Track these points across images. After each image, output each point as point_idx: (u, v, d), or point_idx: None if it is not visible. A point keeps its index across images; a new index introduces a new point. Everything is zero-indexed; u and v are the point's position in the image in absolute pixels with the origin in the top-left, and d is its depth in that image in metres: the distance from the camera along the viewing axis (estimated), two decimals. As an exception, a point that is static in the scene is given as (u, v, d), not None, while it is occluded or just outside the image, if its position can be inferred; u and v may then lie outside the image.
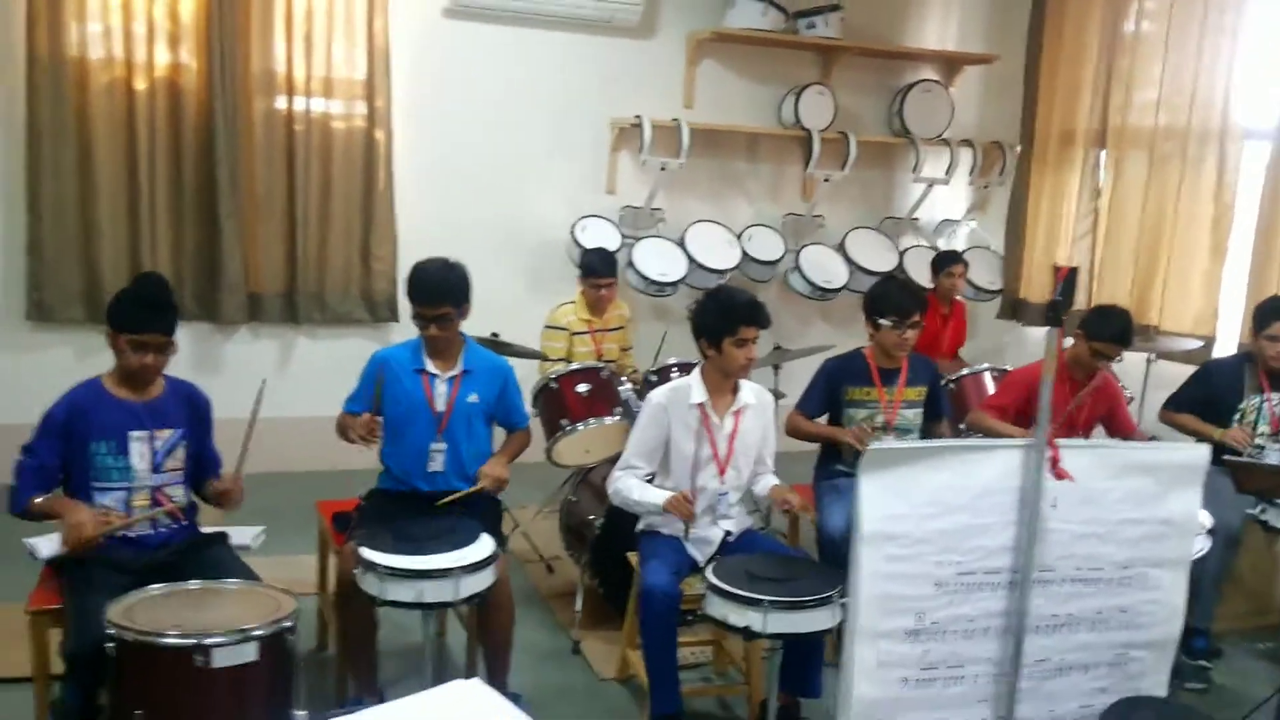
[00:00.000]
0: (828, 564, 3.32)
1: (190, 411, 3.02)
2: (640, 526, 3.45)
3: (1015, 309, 6.49)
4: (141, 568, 2.77)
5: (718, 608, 2.85)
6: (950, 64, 6.56)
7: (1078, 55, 6.04)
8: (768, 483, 3.43)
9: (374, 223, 5.63)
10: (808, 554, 3.62)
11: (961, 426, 4.32)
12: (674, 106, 6.07)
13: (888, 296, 3.86)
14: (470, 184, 5.82)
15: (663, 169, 5.83)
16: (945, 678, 1.43)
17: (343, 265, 5.64)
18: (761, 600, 2.75)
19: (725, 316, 3.23)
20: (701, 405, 3.31)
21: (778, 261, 6.12)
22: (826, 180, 6.20)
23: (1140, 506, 1.55)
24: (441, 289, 3.23)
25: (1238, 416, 4.25)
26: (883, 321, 3.82)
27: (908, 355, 3.91)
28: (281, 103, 5.40)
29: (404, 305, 5.55)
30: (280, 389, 5.57)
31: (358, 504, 3.42)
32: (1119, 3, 5.78)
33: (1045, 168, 6.31)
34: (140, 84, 5.15)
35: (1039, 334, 6.36)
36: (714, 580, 2.88)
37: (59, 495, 2.84)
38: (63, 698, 2.83)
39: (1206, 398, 4.31)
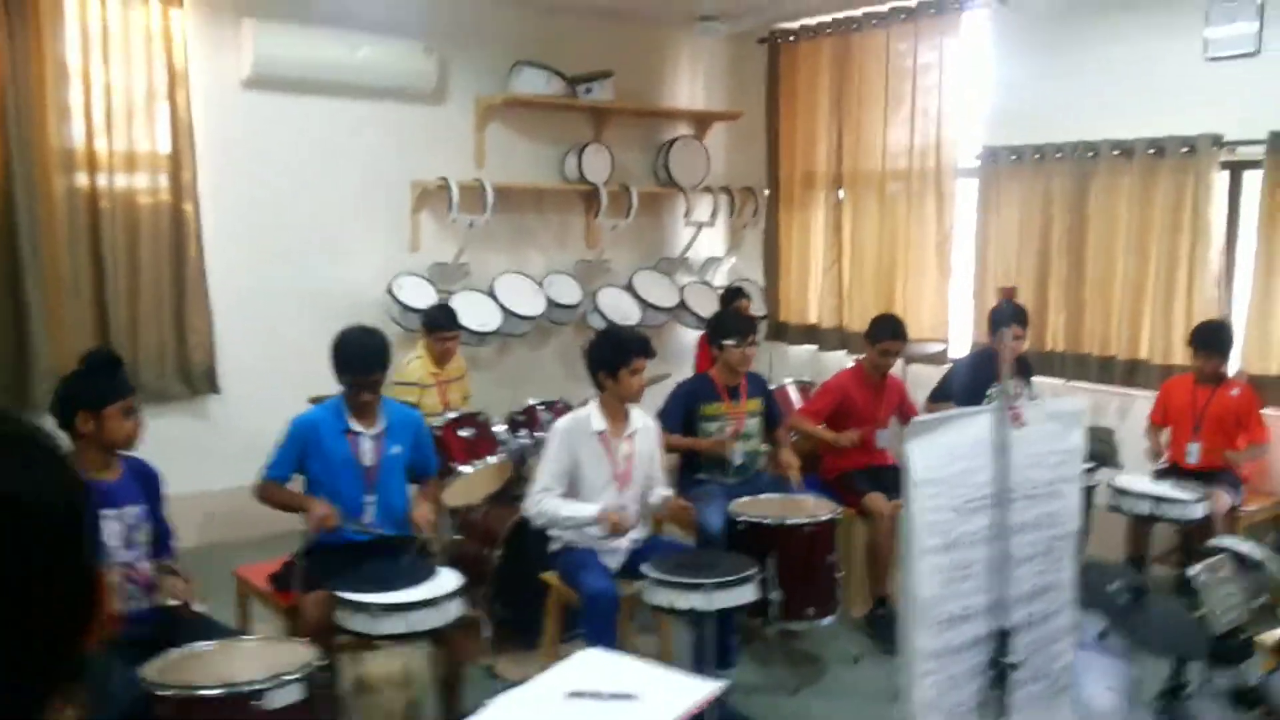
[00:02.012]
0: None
1: (145, 486, 3.10)
2: (555, 546, 3.85)
3: (779, 331, 7.40)
4: (126, 643, 2.83)
5: (662, 596, 3.33)
6: (702, 120, 7.40)
7: (810, 109, 7.07)
8: (660, 493, 3.94)
9: (186, 295, 5.59)
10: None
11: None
12: (467, 167, 6.46)
13: (731, 321, 4.51)
14: (281, 250, 5.91)
15: (470, 226, 6.22)
16: (961, 576, 2.01)
17: (156, 341, 5.55)
18: (703, 583, 3.27)
19: (620, 350, 3.73)
20: (602, 433, 3.78)
21: (578, 305, 6.65)
22: (614, 228, 6.83)
23: (1055, 441, 2.22)
24: (373, 358, 3.50)
25: (988, 401, 5.26)
26: (727, 342, 4.46)
27: (745, 373, 4.58)
28: (83, 180, 5.28)
29: (224, 376, 5.67)
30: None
31: (290, 562, 3.57)
32: (842, 64, 6.84)
33: (792, 207, 7.29)
34: (-74, 166, 4.90)
35: (800, 351, 7.34)
36: (656, 574, 3.35)
37: None
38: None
39: (964, 387, 5.29)
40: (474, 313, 6.11)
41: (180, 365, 5.64)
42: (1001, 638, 2.10)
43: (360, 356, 3.49)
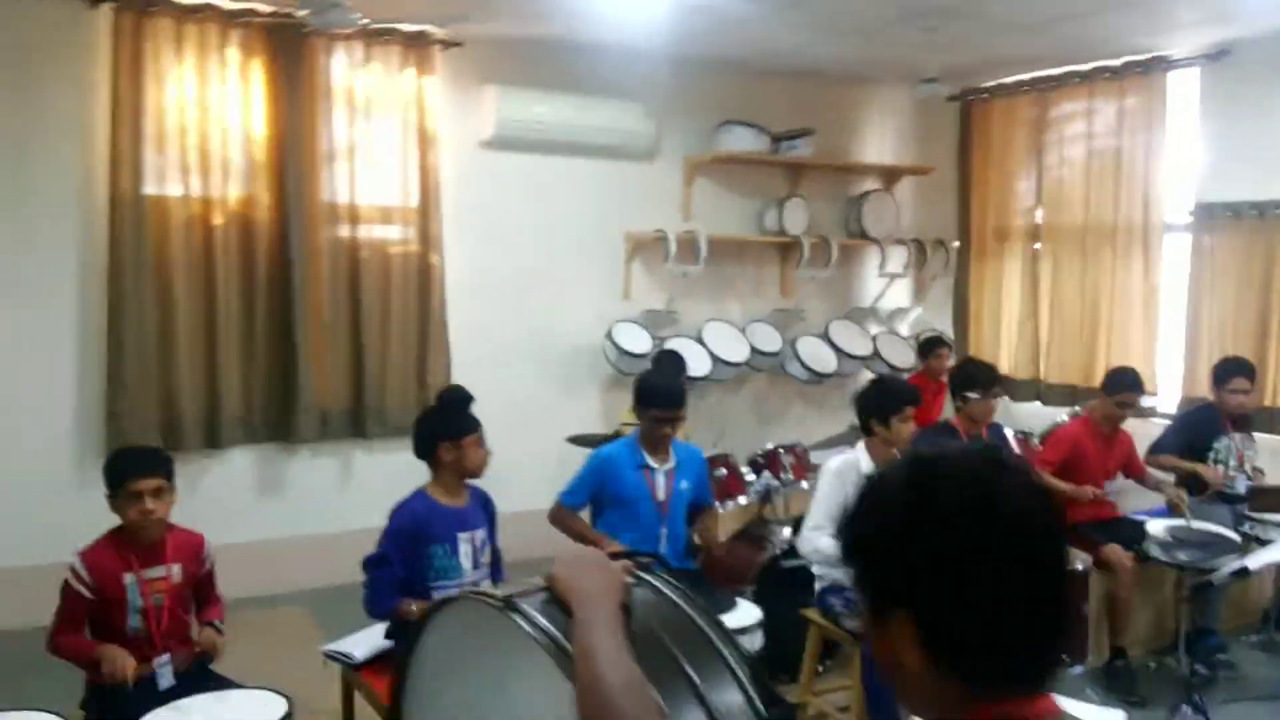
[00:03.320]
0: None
1: (487, 512, 3.41)
2: (821, 584, 4.03)
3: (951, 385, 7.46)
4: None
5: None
6: (892, 174, 7.59)
7: (1005, 164, 7.21)
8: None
9: (429, 339, 6.00)
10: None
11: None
12: (674, 219, 6.78)
13: (976, 373, 4.66)
14: (510, 298, 6.30)
15: (684, 275, 6.52)
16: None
17: (401, 382, 5.96)
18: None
19: (894, 399, 3.92)
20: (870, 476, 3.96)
21: (778, 353, 6.87)
22: (812, 279, 7.06)
23: None
24: (679, 397, 3.77)
25: (1212, 455, 5.27)
26: (971, 394, 4.61)
27: (986, 424, 4.71)
28: (345, 231, 5.75)
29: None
30: (343, 503, 5.88)
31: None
32: (1039, 121, 6.97)
33: (984, 259, 7.41)
34: (217, 219, 5.41)
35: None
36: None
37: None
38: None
39: (1186, 443, 5.30)
40: (688, 357, 6.37)
41: (420, 403, 6.00)
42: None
43: (666, 395, 3.76)
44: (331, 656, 3.35)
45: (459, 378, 6.13)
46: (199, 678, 3.04)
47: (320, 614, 5.35)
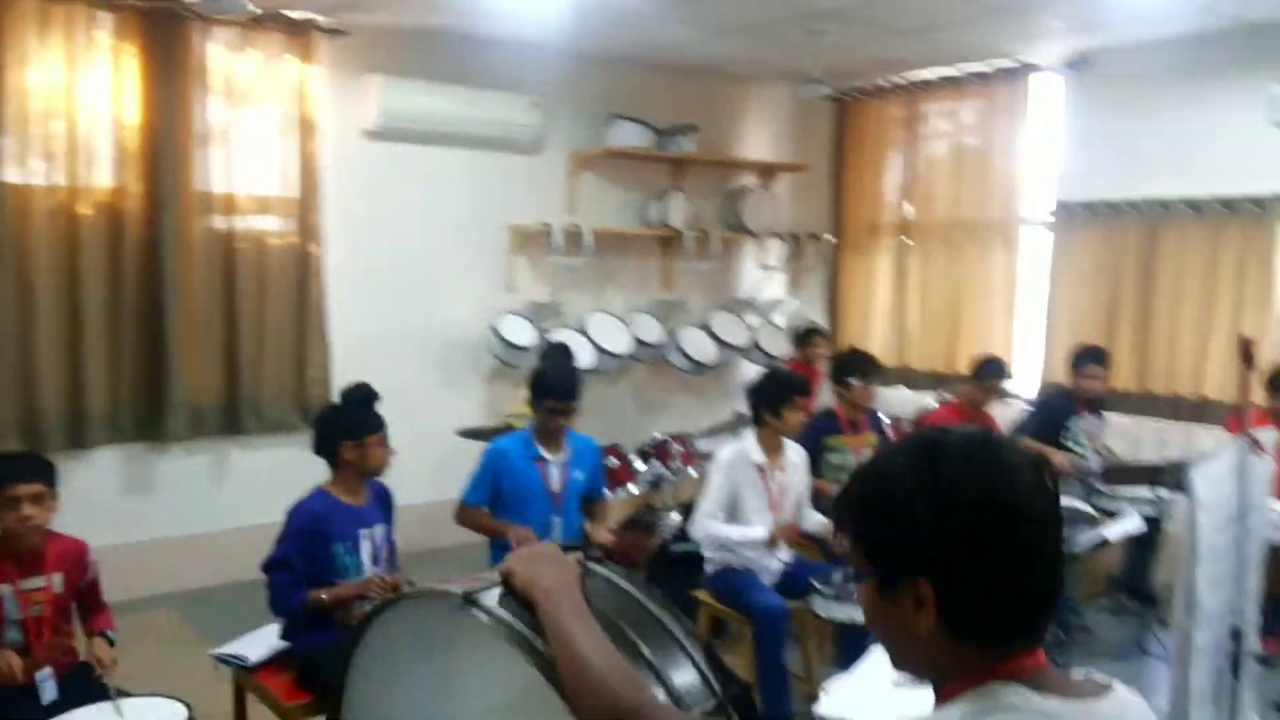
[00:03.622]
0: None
1: (385, 507, 3.38)
2: (712, 568, 4.14)
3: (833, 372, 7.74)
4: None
5: (838, 610, 3.64)
6: (770, 171, 7.78)
7: (877, 163, 7.49)
8: (816, 519, 4.26)
9: (308, 332, 5.86)
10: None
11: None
12: (558, 213, 6.79)
13: (858, 362, 4.85)
14: (392, 289, 6.21)
15: (568, 268, 6.55)
16: (1217, 581, 2.36)
17: (278, 375, 5.80)
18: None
19: (785, 389, 4.06)
20: (760, 465, 4.10)
21: (660, 343, 6.97)
22: (694, 271, 7.18)
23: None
24: (574, 389, 3.80)
25: (1068, 437, 5.61)
26: (853, 381, 4.79)
27: (866, 410, 4.91)
28: (220, 221, 5.56)
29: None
30: (218, 502, 5.71)
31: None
32: (911, 122, 7.27)
33: (856, 254, 7.69)
34: (83, 208, 5.15)
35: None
36: (830, 589, 3.66)
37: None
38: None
39: (1044, 425, 5.63)
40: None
41: (298, 397, 5.89)
42: (1237, 635, 2.43)
43: (559, 385, 3.79)
44: (223, 659, 3.27)
45: (339, 371, 6.02)
46: (84, 688, 2.92)
47: (193, 616, 5.20)
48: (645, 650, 1.38)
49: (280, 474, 5.90)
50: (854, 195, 7.69)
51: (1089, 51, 6.28)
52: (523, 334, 6.36)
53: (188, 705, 2.71)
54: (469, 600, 1.38)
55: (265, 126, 5.63)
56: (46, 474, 2.95)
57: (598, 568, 1.53)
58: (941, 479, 1.08)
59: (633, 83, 6.93)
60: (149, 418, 5.41)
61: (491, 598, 1.39)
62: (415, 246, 6.29)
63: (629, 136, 6.78)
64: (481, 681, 1.43)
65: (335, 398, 5.97)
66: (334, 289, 5.97)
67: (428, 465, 5.65)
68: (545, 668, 1.28)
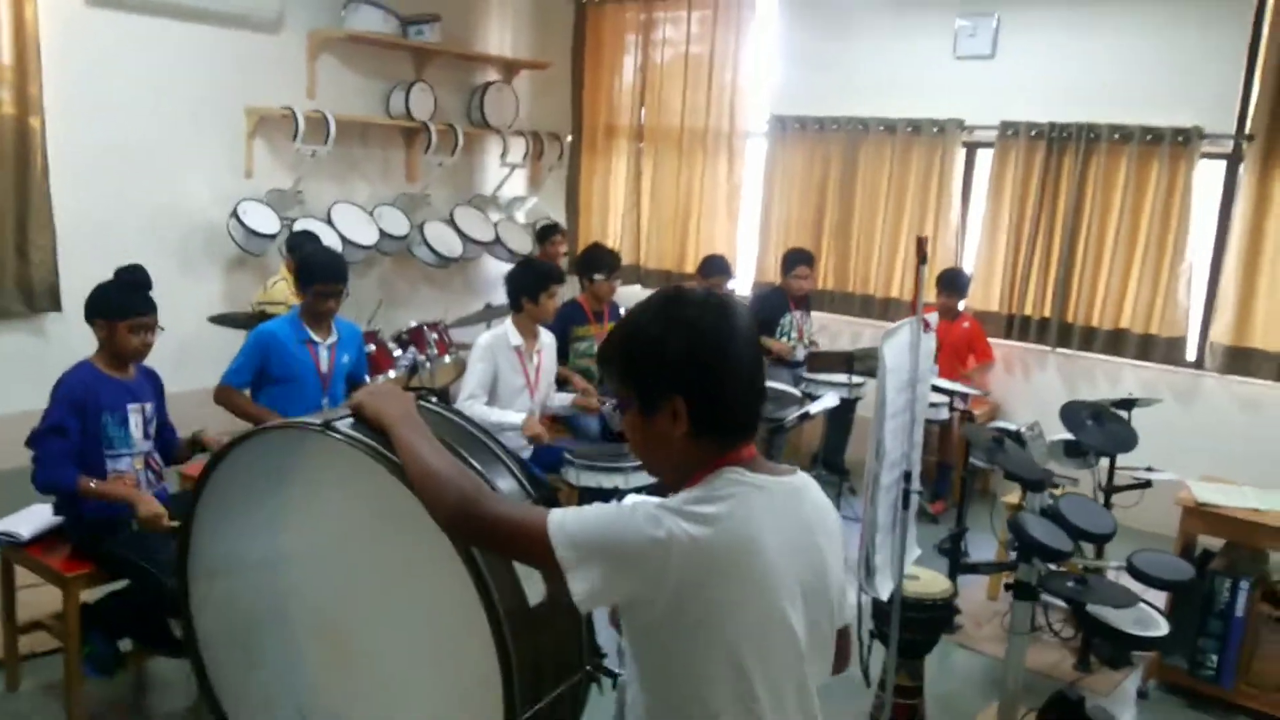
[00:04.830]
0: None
1: (154, 387, 3.43)
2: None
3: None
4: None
5: (590, 478, 4.08)
6: (512, 67, 7.96)
7: (615, 68, 7.85)
8: (562, 397, 4.67)
9: (30, 211, 5.52)
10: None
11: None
12: (299, 97, 6.67)
13: (602, 258, 5.25)
14: (124, 169, 5.92)
15: (313, 155, 6.49)
16: (895, 434, 2.95)
17: (-2, 256, 5.47)
18: (623, 467, 4.05)
19: (542, 278, 4.40)
20: (519, 348, 4.44)
21: (405, 236, 7.08)
22: (440, 165, 7.30)
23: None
24: (340, 271, 3.94)
25: (780, 330, 6.35)
26: (597, 276, 5.20)
27: (608, 302, 5.35)
28: (-78, 87, 5.10)
29: (66, 294, 5.68)
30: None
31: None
32: (647, 30, 7.67)
33: (595, 155, 8.07)
34: None
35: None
36: (584, 461, 4.10)
37: (117, 478, 3.16)
38: (94, 649, 3.21)
39: (758, 320, 6.34)
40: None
41: (21, 282, 5.57)
42: (907, 476, 3.08)
43: (329, 268, 3.92)
44: (-9, 537, 3.25)
45: (67, 254, 5.74)
46: None
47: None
48: (473, 461, 1.70)
49: (6, 363, 5.63)
50: (592, 97, 8.03)
51: (803, -28, 6.90)
52: (266, 222, 6.27)
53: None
54: (329, 428, 1.65)
55: (-27, -15, 5.17)
56: None
57: (427, 403, 1.83)
58: (688, 318, 1.47)
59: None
60: None
61: (346, 424, 1.66)
62: (147, 125, 6.01)
63: (370, 22, 6.74)
64: (342, 493, 1.70)
65: (63, 285, 5.79)
66: (59, 168, 5.63)
67: (169, 353, 5.52)
68: (397, 473, 1.57)
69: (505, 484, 1.76)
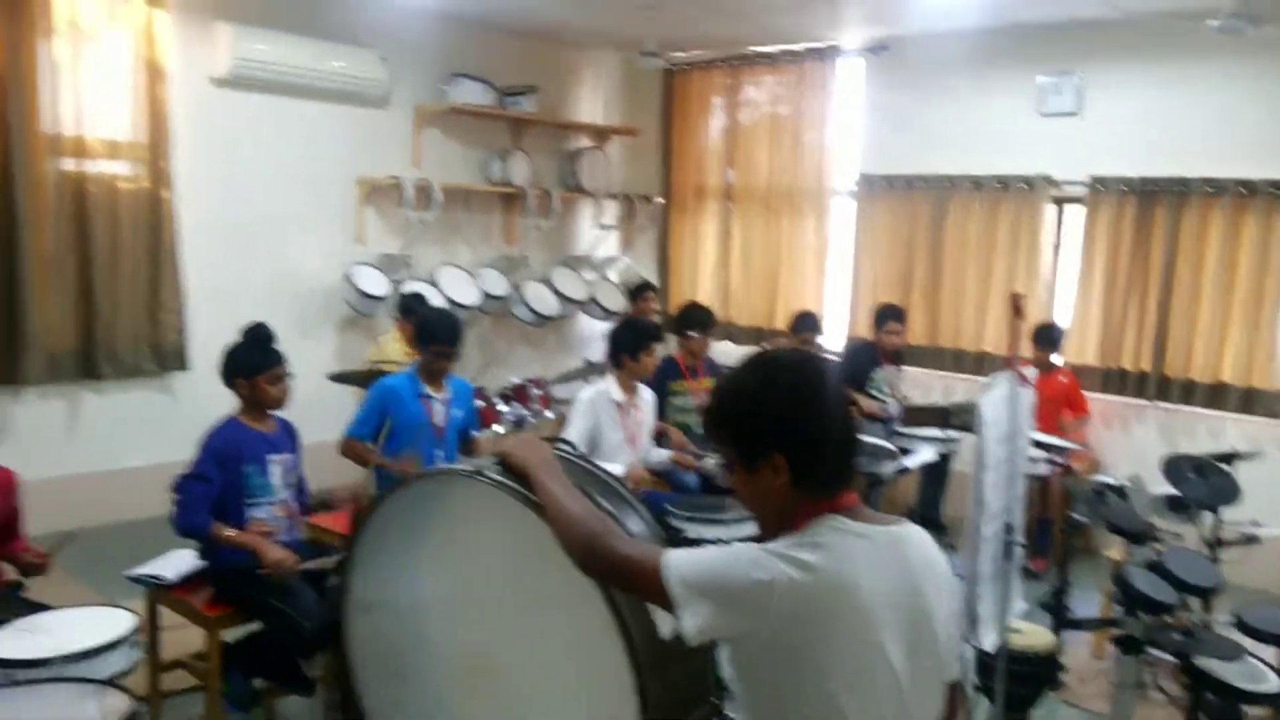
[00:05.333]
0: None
1: (292, 438, 3.67)
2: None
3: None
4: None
5: (692, 531, 4.19)
6: (604, 134, 8.25)
7: (703, 131, 8.11)
8: (661, 453, 4.82)
9: (161, 277, 5.92)
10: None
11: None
12: (405, 166, 7.04)
13: (696, 316, 5.41)
14: (246, 237, 6.32)
15: (420, 221, 6.82)
16: (996, 485, 3.03)
17: (132, 319, 5.84)
18: (724, 519, 4.15)
19: (642, 336, 4.58)
20: (619, 403, 4.61)
21: (505, 297, 7.36)
22: (538, 228, 7.59)
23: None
24: (458, 331, 4.17)
25: (872, 386, 6.41)
26: (692, 333, 5.35)
27: (703, 357, 5.50)
28: (70, 164, 5.54)
29: (194, 353, 6.03)
30: (72, 446, 5.74)
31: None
32: (733, 94, 7.90)
33: (684, 215, 8.29)
34: (-74, 147, 5.06)
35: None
36: (684, 513, 4.22)
37: (255, 525, 3.40)
38: (232, 687, 3.42)
39: (850, 375, 6.41)
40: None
41: (152, 343, 5.95)
42: (1009, 528, 3.14)
43: (447, 329, 4.16)
44: (138, 579, 3.50)
45: (195, 318, 6.12)
46: (14, 604, 3.12)
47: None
48: (606, 505, 1.86)
49: (135, 419, 6.00)
50: (681, 160, 8.28)
51: (888, 39, 7.06)
52: (376, 285, 6.61)
53: (132, 610, 2.96)
54: (479, 474, 1.82)
55: (113, 70, 5.62)
56: None
57: (563, 452, 1.99)
58: (781, 380, 1.61)
59: (476, 42, 7.24)
60: (3, 361, 5.38)
61: (494, 471, 1.84)
62: (267, 195, 6.41)
63: (471, 94, 7.10)
64: (490, 529, 1.86)
65: (190, 345, 6.16)
66: (187, 236, 6.04)
67: (289, 409, 5.85)
68: (539, 514, 1.74)
69: (635, 525, 1.91)
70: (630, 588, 1.68)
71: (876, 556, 1.56)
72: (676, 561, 1.54)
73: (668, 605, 1.53)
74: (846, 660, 1.50)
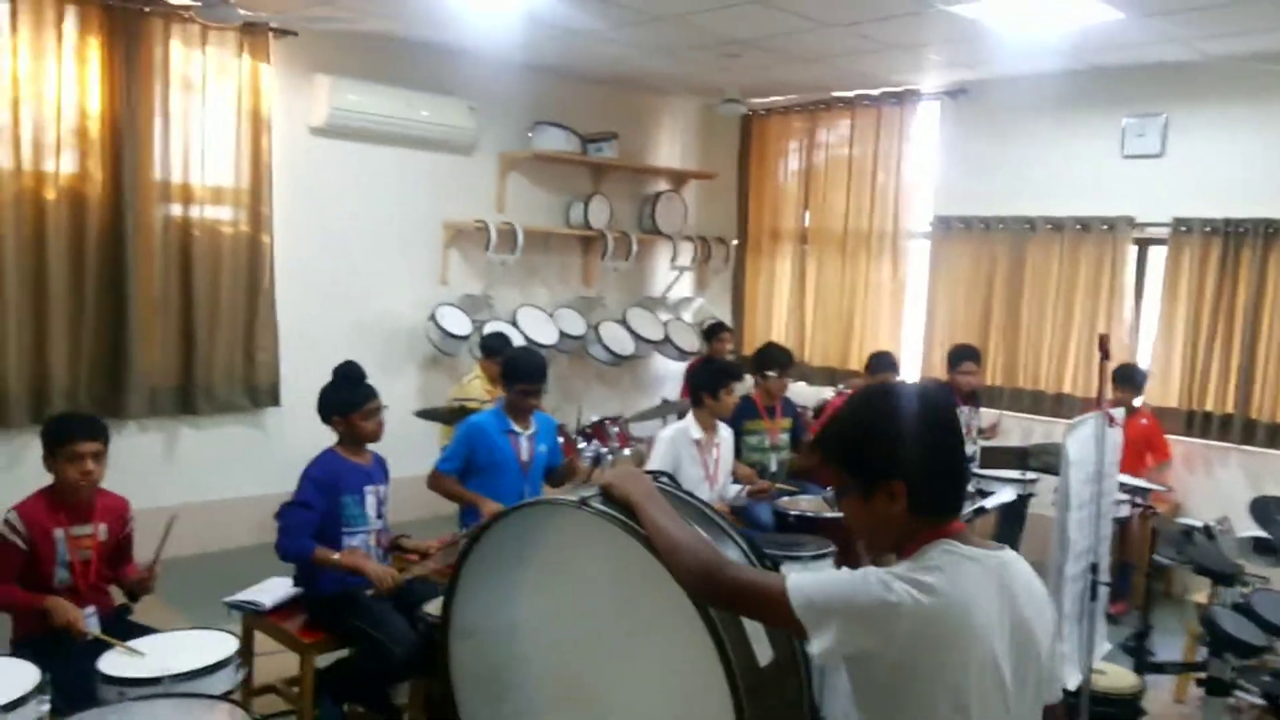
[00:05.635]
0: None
1: (385, 471, 3.83)
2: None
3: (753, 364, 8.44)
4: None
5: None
6: (681, 178, 8.42)
7: (779, 174, 8.22)
8: (736, 488, 4.89)
9: (258, 317, 6.19)
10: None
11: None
12: (489, 210, 7.26)
13: (774, 356, 5.48)
14: (333, 280, 6.57)
15: (503, 263, 7.03)
16: (1081, 525, 3.04)
17: (228, 357, 6.11)
18: (801, 555, 4.20)
19: (722, 376, 4.67)
20: (699, 441, 4.70)
21: (582, 336, 7.52)
22: (615, 270, 7.75)
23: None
24: (543, 370, 4.31)
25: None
26: (770, 373, 5.43)
27: (780, 397, 5.57)
28: (177, 210, 5.85)
29: (287, 390, 6.25)
30: (168, 479, 5.98)
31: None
32: (810, 137, 8.01)
33: (760, 257, 8.39)
34: (49, 194, 5.39)
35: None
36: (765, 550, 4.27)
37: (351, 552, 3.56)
38: (324, 712, 3.55)
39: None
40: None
41: (248, 381, 6.21)
42: (1094, 568, 3.14)
43: (533, 368, 4.30)
44: (236, 606, 3.67)
45: (287, 357, 6.36)
46: (122, 627, 3.30)
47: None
48: (705, 534, 1.95)
49: (229, 453, 6.25)
50: (757, 202, 8.39)
51: (966, 83, 7.10)
52: (459, 324, 6.81)
53: (234, 634, 3.11)
54: (584, 504, 1.92)
55: (220, 121, 5.94)
56: (104, 434, 3.32)
57: (663, 485, 2.09)
58: (900, 410, 1.70)
59: (560, 91, 7.46)
60: (108, 396, 5.66)
61: (598, 501, 1.94)
62: (359, 239, 6.67)
63: (555, 141, 7.31)
64: (597, 556, 1.96)
65: (283, 383, 6.40)
66: (283, 279, 6.31)
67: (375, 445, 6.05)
68: (644, 544, 1.83)
69: (734, 553, 2.00)
70: (750, 612, 1.76)
71: (986, 580, 1.64)
72: (800, 584, 1.62)
73: (793, 626, 1.61)
74: (965, 681, 1.57)
